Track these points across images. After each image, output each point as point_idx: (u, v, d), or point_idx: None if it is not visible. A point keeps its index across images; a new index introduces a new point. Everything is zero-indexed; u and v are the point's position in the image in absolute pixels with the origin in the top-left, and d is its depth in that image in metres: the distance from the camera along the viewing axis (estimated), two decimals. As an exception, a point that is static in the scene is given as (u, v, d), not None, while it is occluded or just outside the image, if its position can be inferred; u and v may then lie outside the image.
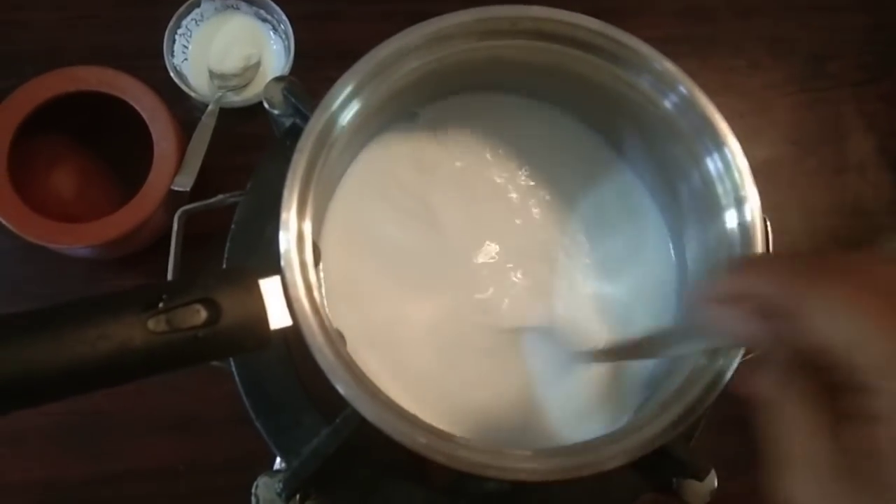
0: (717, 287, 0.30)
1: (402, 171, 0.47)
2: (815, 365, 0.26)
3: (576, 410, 0.45)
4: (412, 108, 0.47)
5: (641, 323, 0.46)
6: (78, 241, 0.60)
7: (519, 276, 0.47)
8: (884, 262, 0.26)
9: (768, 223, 0.43)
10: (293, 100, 0.46)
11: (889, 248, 0.28)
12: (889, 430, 0.24)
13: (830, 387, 0.26)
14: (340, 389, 0.35)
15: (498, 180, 0.49)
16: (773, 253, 0.29)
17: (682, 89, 0.42)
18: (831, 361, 0.25)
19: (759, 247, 0.40)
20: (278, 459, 0.54)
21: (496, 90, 0.48)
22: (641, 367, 0.46)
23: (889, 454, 0.24)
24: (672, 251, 0.47)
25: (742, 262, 0.28)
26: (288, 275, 0.36)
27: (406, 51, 0.40)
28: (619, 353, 0.44)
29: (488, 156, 0.49)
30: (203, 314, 0.33)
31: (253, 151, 0.67)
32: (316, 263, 0.38)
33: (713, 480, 0.43)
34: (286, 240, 0.36)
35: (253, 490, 0.43)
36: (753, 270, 0.29)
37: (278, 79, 0.47)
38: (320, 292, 0.37)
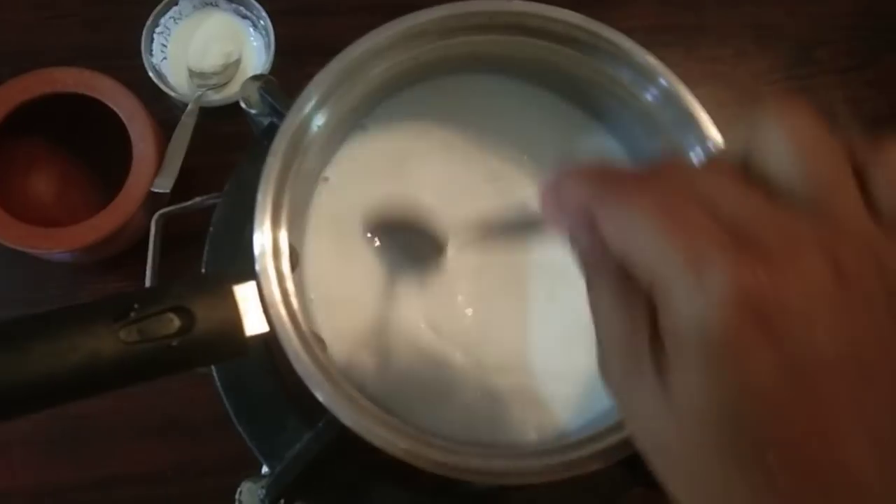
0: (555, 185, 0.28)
1: (382, 170, 0.47)
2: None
3: (570, 399, 0.44)
4: (394, 106, 0.46)
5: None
6: (57, 245, 0.59)
7: (502, 267, 0.47)
8: (681, 168, 0.26)
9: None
10: (270, 99, 0.45)
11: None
12: (671, 326, 0.23)
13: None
14: (318, 396, 0.35)
15: (478, 164, 0.48)
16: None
17: (664, 82, 0.41)
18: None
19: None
20: (265, 462, 0.54)
21: (471, 71, 0.47)
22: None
23: (672, 352, 0.24)
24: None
25: (572, 168, 0.27)
26: (263, 280, 0.35)
27: (381, 48, 0.40)
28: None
29: (467, 141, 0.48)
30: (176, 322, 0.32)
31: (235, 151, 0.66)
32: (293, 267, 0.37)
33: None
34: (261, 244, 0.36)
35: (237, 496, 0.42)
36: (577, 176, 0.27)
37: (255, 77, 0.46)
38: (298, 297, 0.37)
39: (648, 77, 0.42)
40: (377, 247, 0.44)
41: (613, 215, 0.25)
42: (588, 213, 0.25)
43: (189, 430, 0.64)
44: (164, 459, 0.64)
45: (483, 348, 0.45)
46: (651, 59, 0.41)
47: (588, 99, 0.46)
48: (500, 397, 0.44)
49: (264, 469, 0.53)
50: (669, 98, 0.42)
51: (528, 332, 0.46)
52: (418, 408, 0.42)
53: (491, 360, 0.45)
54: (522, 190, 0.47)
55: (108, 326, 0.31)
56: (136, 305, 0.32)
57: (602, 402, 0.44)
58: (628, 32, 0.43)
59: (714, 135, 0.41)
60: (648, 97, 0.42)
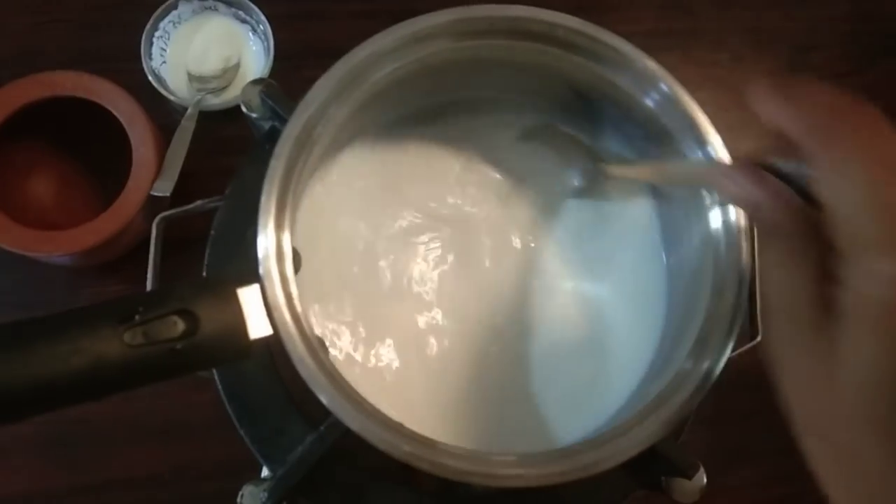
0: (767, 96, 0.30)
1: (380, 176, 0.47)
2: (812, 222, 0.28)
3: (565, 405, 0.45)
4: (396, 110, 0.47)
5: (624, 322, 0.46)
6: (57, 248, 0.59)
7: (500, 274, 0.47)
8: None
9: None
10: (271, 103, 0.45)
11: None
12: (856, 300, 0.25)
13: (824, 245, 0.27)
14: (322, 398, 0.35)
15: (475, 179, 0.48)
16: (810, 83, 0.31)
17: (664, 87, 0.42)
18: (829, 220, 0.26)
19: (745, 247, 0.40)
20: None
21: (480, 97, 0.48)
22: (629, 366, 0.46)
23: (852, 321, 0.25)
24: (662, 254, 0.47)
25: (785, 85, 0.29)
26: (267, 283, 0.35)
27: (384, 52, 0.40)
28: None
29: (471, 159, 0.48)
30: (180, 326, 0.32)
31: (234, 154, 0.66)
32: (296, 270, 0.37)
33: (702, 478, 0.43)
34: (264, 247, 0.36)
35: (238, 499, 0.42)
36: (795, 100, 0.29)
37: (255, 81, 0.47)
38: (301, 299, 0.37)
39: (649, 82, 0.42)
40: None
41: (840, 171, 0.26)
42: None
43: (187, 433, 0.64)
44: (163, 463, 0.64)
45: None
46: (651, 64, 0.42)
47: (592, 114, 0.47)
48: (504, 402, 0.44)
49: (263, 472, 0.53)
50: (670, 103, 0.42)
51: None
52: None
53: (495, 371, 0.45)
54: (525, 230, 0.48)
55: (112, 329, 0.31)
56: (140, 308, 0.32)
57: (602, 406, 0.44)
58: (626, 37, 0.43)
59: (714, 139, 0.41)
60: (649, 102, 0.43)
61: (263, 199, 0.36)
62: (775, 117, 0.29)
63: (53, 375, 0.30)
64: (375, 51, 0.39)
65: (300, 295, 0.36)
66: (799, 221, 0.28)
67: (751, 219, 0.34)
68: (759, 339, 0.48)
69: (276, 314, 0.35)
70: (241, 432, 0.44)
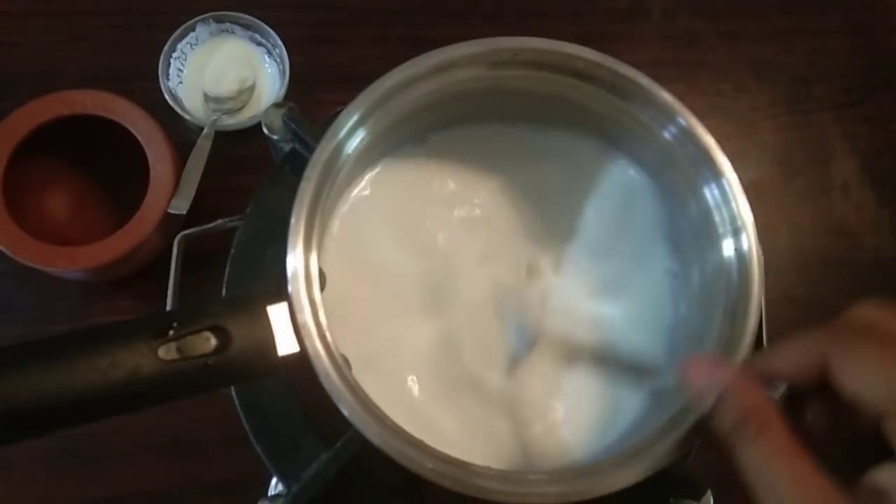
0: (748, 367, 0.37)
1: (404, 196, 0.48)
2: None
3: (582, 428, 0.46)
4: (419, 135, 0.48)
5: (632, 347, 0.47)
6: (72, 264, 0.60)
7: (517, 298, 0.48)
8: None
9: (760, 248, 0.44)
10: (293, 125, 0.46)
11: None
12: None
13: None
14: (347, 414, 0.35)
15: (501, 207, 0.49)
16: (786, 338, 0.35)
17: (681, 120, 0.43)
18: (859, 408, 0.31)
19: (756, 274, 0.41)
20: (273, 482, 0.54)
21: (500, 120, 0.49)
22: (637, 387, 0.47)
23: None
24: (674, 280, 0.48)
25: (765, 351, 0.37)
26: (294, 301, 0.36)
27: (411, 80, 0.41)
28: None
29: (491, 183, 0.49)
30: (213, 342, 0.33)
31: (248, 174, 0.68)
32: (322, 290, 0.38)
33: (710, 500, 0.44)
34: (293, 266, 0.37)
35: (253, 514, 0.43)
36: (781, 350, 0.35)
37: (278, 105, 0.48)
38: (327, 318, 0.38)
39: (667, 116, 0.43)
40: None
41: (852, 360, 0.31)
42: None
43: (197, 449, 0.65)
44: (172, 478, 0.64)
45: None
46: (668, 98, 0.43)
47: (609, 134, 0.48)
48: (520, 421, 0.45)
49: (271, 489, 0.54)
50: (686, 136, 0.43)
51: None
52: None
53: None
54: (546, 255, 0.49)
55: (147, 344, 0.32)
56: (174, 324, 0.33)
57: (615, 429, 0.45)
58: (632, 67, 0.45)
59: (728, 173, 0.42)
60: (666, 135, 0.44)
61: (293, 220, 0.37)
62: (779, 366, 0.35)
63: (92, 388, 0.31)
64: (403, 79, 0.40)
65: (325, 314, 0.37)
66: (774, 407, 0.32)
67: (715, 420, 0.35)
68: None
69: (303, 331, 0.36)
70: (258, 448, 0.45)
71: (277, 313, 0.36)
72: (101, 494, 0.63)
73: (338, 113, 0.40)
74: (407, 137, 0.47)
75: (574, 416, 0.45)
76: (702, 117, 0.44)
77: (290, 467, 0.44)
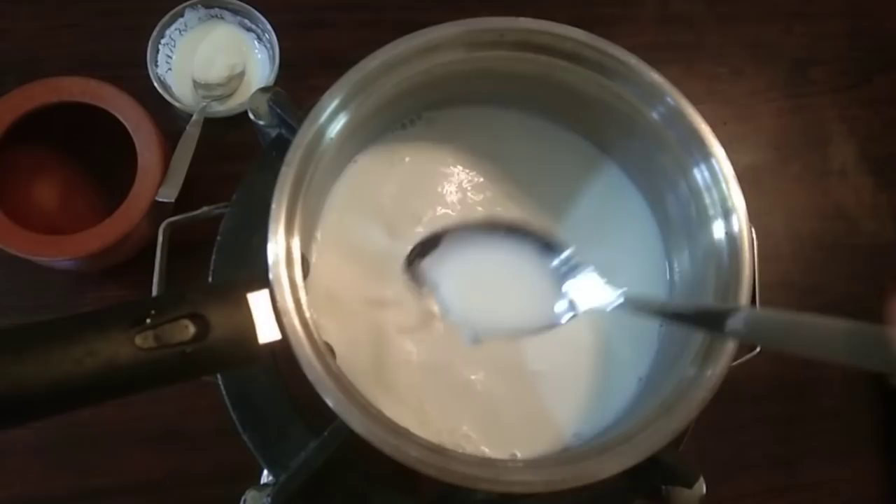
0: None
1: (390, 182, 0.47)
2: None
3: (570, 405, 0.45)
4: (406, 119, 0.47)
5: (625, 332, 0.46)
6: (61, 253, 0.59)
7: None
8: None
9: (753, 231, 0.43)
10: (279, 111, 0.46)
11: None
12: None
13: None
14: (330, 403, 0.35)
15: (487, 193, 0.49)
16: None
17: (670, 100, 0.42)
18: None
19: (746, 257, 0.40)
20: (266, 471, 0.54)
21: (487, 103, 0.48)
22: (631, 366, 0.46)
23: None
24: (665, 262, 0.48)
25: None
26: (276, 288, 0.36)
27: (394, 63, 0.40)
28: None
29: (477, 168, 0.49)
30: (191, 329, 0.33)
31: (238, 161, 0.67)
32: (304, 276, 0.38)
33: (702, 487, 0.44)
34: (274, 253, 0.36)
35: (241, 504, 0.42)
36: None
37: (264, 89, 0.47)
38: (309, 305, 0.37)
39: (655, 95, 0.42)
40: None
41: None
42: None
43: (187, 439, 0.64)
44: (163, 469, 0.64)
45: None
46: (657, 77, 0.42)
47: (602, 137, 0.47)
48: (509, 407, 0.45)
49: (263, 478, 0.54)
50: (675, 117, 0.42)
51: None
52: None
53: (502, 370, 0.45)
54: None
55: (124, 332, 0.32)
56: (152, 312, 0.32)
57: (607, 413, 0.45)
58: (627, 50, 0.44)
59: (718, 152, 0.42)
60: (655, 115, 0.43)
61: (274, 205, 0.37)
62: None
63: (68, 377, 0.30)
64: (385, 61, 0.40)
65: (308, 300, 0.37)
66: None
67: None
68: (758, 349, 0.48)
69: (285, 319, 0.35)
70: (245, 437, 0.44)
71: (259, 300, 0.35)
72: (92, 484, 0.63)
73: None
74: (394, 122, 0.46)
75: (563, 394, 0.45)
76: (698, 101, 0.43)
77: (278, 456, 0.44)
